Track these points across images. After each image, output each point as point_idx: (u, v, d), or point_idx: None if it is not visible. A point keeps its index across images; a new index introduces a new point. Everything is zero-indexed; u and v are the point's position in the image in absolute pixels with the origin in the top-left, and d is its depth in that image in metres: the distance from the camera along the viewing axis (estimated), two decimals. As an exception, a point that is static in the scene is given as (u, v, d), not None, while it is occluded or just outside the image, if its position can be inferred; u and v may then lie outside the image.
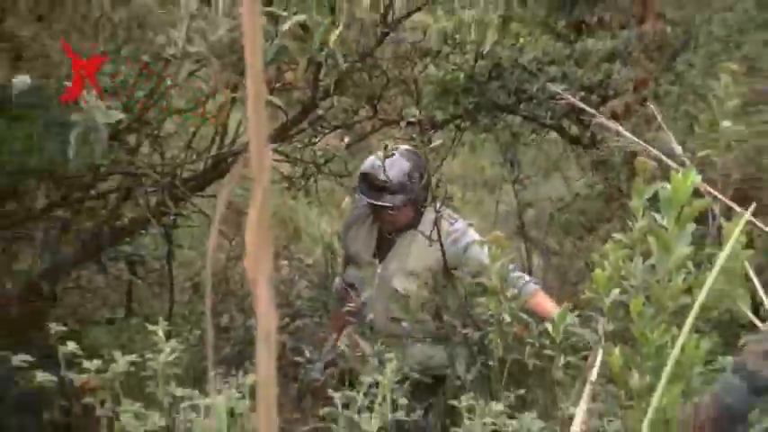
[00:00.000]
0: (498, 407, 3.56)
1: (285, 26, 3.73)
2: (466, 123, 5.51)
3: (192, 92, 4.12)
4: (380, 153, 4.55)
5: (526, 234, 6.80)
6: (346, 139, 5.34)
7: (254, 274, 1.00)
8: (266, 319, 0.99)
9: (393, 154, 4.57)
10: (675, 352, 2.16)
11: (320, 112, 4.67)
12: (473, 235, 4.60)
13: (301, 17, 3.81)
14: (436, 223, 4.46)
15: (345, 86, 4.49)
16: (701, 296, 1.79)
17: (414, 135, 4.99)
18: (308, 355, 4.60)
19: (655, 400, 2.22)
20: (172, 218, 4.76)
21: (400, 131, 5.11)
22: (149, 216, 4.29)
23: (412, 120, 4.83)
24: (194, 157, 4.52)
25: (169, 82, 3.94)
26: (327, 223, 7.44)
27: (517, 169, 6.97)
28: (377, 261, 4.72)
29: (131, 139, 4.20)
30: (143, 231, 4.93)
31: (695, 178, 2.88)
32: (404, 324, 4.34)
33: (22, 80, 3.49)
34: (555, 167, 7.44)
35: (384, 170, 4.48)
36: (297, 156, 4.90)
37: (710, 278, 2.09)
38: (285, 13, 3.79)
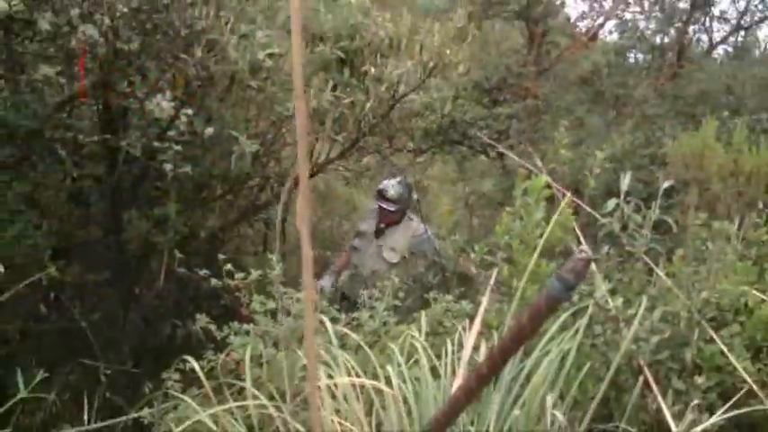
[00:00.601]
0: (449, 297, 5.03)
1: (345, 101, 7.18)
2: (437, 150, 9.23)
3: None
4: (390, 180, 7.66)
5: (470, 207, 10.36)
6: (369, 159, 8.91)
7: (300, 226, 1.85)
8: (306, 251, 1.82)
9: (397, 179, 7.64)
10: (533, 268, 4.18)
11: (361, 144, 8.09)
12: (429, 233, 7.36)
13: (350, 98, 7.24)
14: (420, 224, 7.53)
15: (374, 131, 8.00)
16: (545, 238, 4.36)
17: (411, 157, 8.39)
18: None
19: (519, 293, 4.07)
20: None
21: (405, 153, 8.58)
22: (273, 198, 7.83)
23: (410, 149, 8.31)
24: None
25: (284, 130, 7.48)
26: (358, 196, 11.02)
27: (465, 173, 10.60)
28: (375, 238, 7.63)
29: (264, 159, 7.72)
30: (270, 206, 8.22)
31: (545, 179, 4.47)
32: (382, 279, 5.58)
33: (209, 130, 6.18)
34: (482, 174, 11.03)
35: (392, 188, 7.47)
36: (349, 167, 8.59)
37: (549, 229, 5.11)
38: (342, 95, 7.17)
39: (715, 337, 3.99)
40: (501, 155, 8.62)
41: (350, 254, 7.90)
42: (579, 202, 4.59)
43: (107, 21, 5.25)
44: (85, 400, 5.34)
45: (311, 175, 8.15)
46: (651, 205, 4.52)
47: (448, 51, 7.40)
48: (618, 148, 7.81)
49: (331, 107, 6.90)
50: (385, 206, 7.50)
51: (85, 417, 5.23)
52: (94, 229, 7.25)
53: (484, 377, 2.43)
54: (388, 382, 3.42)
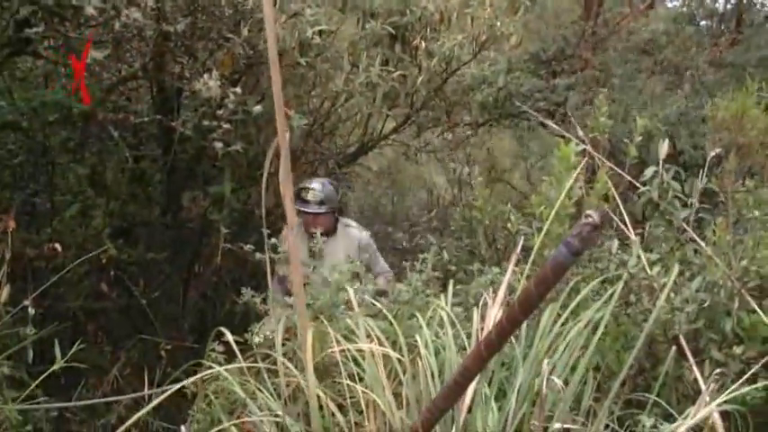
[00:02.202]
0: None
1: (394, 75, 7.14)
2: (495, 123, 9.21)
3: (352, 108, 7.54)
4: (310, 181, 6.33)
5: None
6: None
7: (285, 192, 2.80)
8: (291, 219, 2.86)
9: (319, 180, 6.38)
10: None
11: (417, 118, 8.10)
12: (372, 241, 6.45)
13: (401, 72, 7.29)
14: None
15: (428, 106, 8.04)
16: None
17: (468, 131, 8.37)
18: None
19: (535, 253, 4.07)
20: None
21: (462, 127, 8.58)
22: (331, 172, 7.90)
23: (467, 123, 8.30)
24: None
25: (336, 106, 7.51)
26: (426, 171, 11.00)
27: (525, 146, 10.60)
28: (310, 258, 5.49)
29: (317, 134, 7.79)
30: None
31: (576, 148, 4.53)
32: None
33: (257, 108, 6.05)
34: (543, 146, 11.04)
35: (313, 188, 6.19)
36: (408, 142, 8.63)
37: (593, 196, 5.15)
38: (391, 69, 7.16)
39: (756, 307, 3.91)
40: (561, 126, 8.60)
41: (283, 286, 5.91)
42: (618, 169, 4.50)
43: (150, 3, 5.33)
44: (146, 375, 5.50)
45: (366, 151, 8.22)
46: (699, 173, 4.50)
47: (499, 23, 7.37)
48: (673, 110, 7.70)
49: (381, 82, 6.91)
50: (309, 210, 6.19)
51: (146, 391, 5.45)
52: (153, 209, 7.42)
53: (492, 344, 2.45)
54: (412, 350, 3.47)
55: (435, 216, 9.53)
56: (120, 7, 5.24)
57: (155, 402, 3.28)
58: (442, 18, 7.29)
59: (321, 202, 6.22)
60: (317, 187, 6.26)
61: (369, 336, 3.43)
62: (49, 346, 5.14)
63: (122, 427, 3.00)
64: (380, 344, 3.32)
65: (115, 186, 7.35)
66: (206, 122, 5.97)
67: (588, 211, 2.21)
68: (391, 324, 3.65)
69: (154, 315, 6.76)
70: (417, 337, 3.51)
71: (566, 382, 3.35)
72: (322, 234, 5.57)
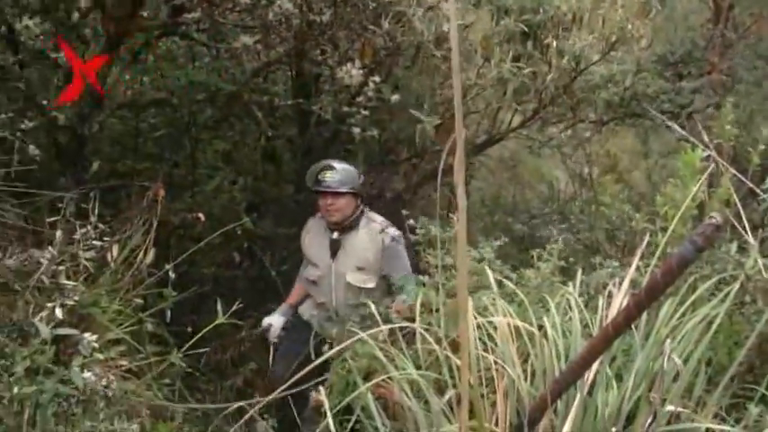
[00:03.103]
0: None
1: (525, 71, 7.37)
2: (620, 122, 9.33)
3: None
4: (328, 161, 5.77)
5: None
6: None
7: (458, 180, 2.29)
8: (461, 199, 2.23)
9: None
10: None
11: (544, 114, 8.28)
12: (400, 243, 5.65)
13: (534, 69, 7.54)
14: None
15: (556, 102, 8.21)
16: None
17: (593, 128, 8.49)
18: None
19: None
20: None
21: (587, 124, 8.72)
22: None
23: (593, 120, 8.45)
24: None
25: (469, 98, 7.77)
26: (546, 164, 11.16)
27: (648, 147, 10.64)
28: (332, 260, 5.70)
29: (447, 124, 7.98)
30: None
31: (702, 153, 4.57)
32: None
33: (394, 97, 6.61)
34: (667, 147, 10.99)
35: (333, 168, 5.65)
36: (533, 136, 8.82)
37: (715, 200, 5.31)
38: (522, 66, 7.38)
39: None
40: (684, 129, 8.68)
41: (303, 286, 6.16)
42: (740, 176, 4.63)
43: (298, -8, 5.69)
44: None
45: (493, 143, 8.46)
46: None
47: (630, 25, 7.52)
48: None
49: (512, 77, 7.12)
50: (325, 188, 5.66)
51: (270, 358, 5.82)
52: (286, 187, 7.79)
53: (620, 326, 2.70)
54: (540, 330, 3.74)
55: (555, 209, 9.70)
56: (272, -4, 5.59)
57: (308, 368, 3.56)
58: (574, 18, 7.44)
59: (340, 182, 5.60)
60: (336, 166, 5.68)
61: (502, 314, 3.69)
62: (184, 308, 5.84)
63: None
64: (511, 319, 3.58)
65: (250, 163, 7.77)
66: (345, 108, 6.31)
67: (712, 213, 2.45)
68: (520, 305, 3.92)
69: (282, 286, 7.00)
70: (545, 319, 3.77)
71: (678, 374, 3.55)
72: (341, 229, 5.67)
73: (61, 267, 4.45)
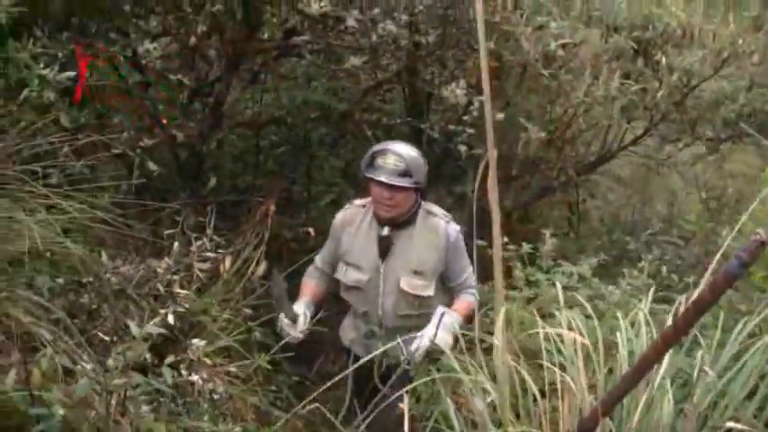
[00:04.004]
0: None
1: (634, 88, 7.32)
2: (737, 140, 9.23)
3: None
4: (391, 144, 4.71)
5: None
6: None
7: (491, 197, 2.85)
8: (496, 221, 2.85)
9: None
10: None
11: (656, 131, 8.31)
12: (463, 243, 4.72)
13: (641, 86, 7.56)
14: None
15: (667, 119, 8.22)
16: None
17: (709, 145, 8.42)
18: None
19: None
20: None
21: (704, 141, 8.66)
22: (568, 181, 8.24)
23: (709, 137, 8.39)
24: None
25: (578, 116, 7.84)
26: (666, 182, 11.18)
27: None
28: (381, 261, 4.63)
29: (557, 142, 8.10)
30: (567, 188, 8.68)
31: None
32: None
33: (500, 116, 6.96)
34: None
35: (399, 152, 4.55)
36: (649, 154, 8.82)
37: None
38: (630, 83, 7.38)
39: None
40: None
41: (318, 284, 5.13)
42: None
43: (405, 17, 5.91)
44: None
45: (604, 161, 8.51)
46: None
47: (741, 41, 7.50)
48: None
49: (620, 95, 7.16)
50: (385, 179, 4.51)
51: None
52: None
53: (669, 338, 2.81)
54: (612, 347, 3.82)
55: (671, 228, 9.63)
56: (378, 19, 5.84)
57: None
58: (684, 34, 7.48)
59: (405, 173, 4.49)
60: (401, 151, 4.55)
61: (570, 327, 3.79)
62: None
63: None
64: (580, 334, 3.68)
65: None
66: (451, 126, 6.49)
67: (758, 230, 2.56)
68: (589, 317, 4.01)
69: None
70: (618, 335, 3.85)
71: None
72: (396, 225, 4.60)
73: (176, 277, 4.74)
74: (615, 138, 8.42)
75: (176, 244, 4.98)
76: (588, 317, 3.98)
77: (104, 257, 4.58)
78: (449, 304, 4.68)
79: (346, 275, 4.83)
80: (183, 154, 6.49)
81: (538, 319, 3.87)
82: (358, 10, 5.85)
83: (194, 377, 4.22)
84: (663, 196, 11.72)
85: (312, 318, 4.83)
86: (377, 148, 4.63)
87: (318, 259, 5.12)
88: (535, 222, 8.94)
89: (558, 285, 4.22)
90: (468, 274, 4.76)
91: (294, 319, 4.72)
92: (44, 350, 3.32)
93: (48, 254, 4.12)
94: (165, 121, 6.27)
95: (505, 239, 5.31)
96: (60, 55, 5.22)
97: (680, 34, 7.45)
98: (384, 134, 7.52)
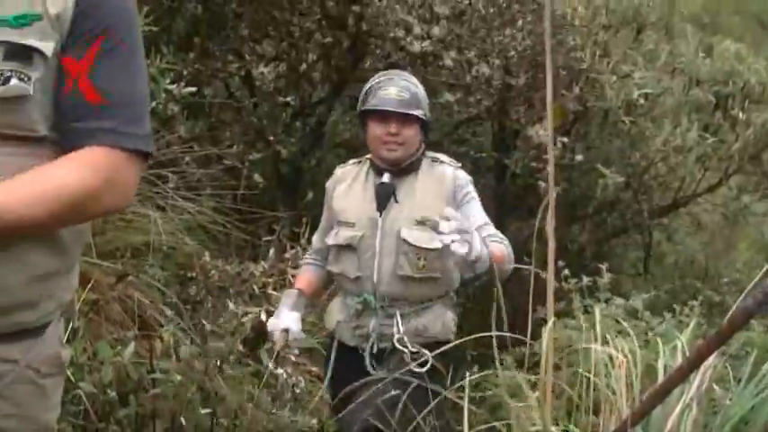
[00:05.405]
0: None
1: (710, 140, 7.91)
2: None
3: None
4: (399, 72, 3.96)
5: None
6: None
7: (548, 228, 2.71)
8: (551, 248, 2.78)
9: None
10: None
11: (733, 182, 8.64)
12: (475, 192, 3.77)
13: (718, 138, 8.00)
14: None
15: (743, 171, 8.53)
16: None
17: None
18: None
19: None
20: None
21: None
22: (642, 222, 8.65)
23: None
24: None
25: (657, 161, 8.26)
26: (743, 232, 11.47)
27: None
28: (378, 214, 3.69)
29: (634, 186, 8.49)
30: (642, 229, 9.13)
31: None
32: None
33: (579, 157, 7.77)
34: None
35: (399, 82, 3.67)
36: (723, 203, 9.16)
37: None
38: (707, 135, 7.98)
39: None
40: None
41: (316, 270, 3.92)
42: None
43: (497, 61, 6.43)
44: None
45: (678, 206, 8.87)
46: None
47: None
48: None
49: (696, 145, 7.56)
50: (389, 108, 3.59)
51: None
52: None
53: (692, 363, 3.25)
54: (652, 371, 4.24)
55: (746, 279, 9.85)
56: (473, 61, 6.38)
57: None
58: (764, 90, 7.83)
59: (408, 104, 3.61)
60: (403, 80, 3.72)
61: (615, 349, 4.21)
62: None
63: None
64: (624, 355, 4.09)
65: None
66: (533, 164, 6.99)
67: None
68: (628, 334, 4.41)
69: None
70: (659, 362, 4.26)
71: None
72: (398, 170, 3.69)
73: (270, 279, 5.28)
74: (690, 185, 8.69)
75: (272, 250, 5.49)
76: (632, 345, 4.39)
77: (207, 256, 5.09)
78: (456, 270, 3.67)
79: (337, 236, 3.70)
80: (285, 169, 7.06)
81: (589, 341, 4.28)
82: (456, 50, 6.35)
83: (280, 370, 4.68)
84: (742, 245, 11.93)
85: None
86: (374, 79, 3.74)
87: (315, 238, 4.01)
88: (611, 260, 9.28)
89: (597, 313, 4.62)
90: (488, 222, 3.66)
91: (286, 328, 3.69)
92: (162, 328, 3.88)
93: (164, 247, 4.69)
94: (270, 138, 6.88)
95: (567, 272, 5.76)
96: (185, 72, 5.86)
97: (759, 91, 7.78)
98: (471, 166, 8.01)
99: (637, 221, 8.54)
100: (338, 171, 3.93)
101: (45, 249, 1.70)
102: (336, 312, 3.79)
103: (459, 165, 3.79)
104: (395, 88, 3.61)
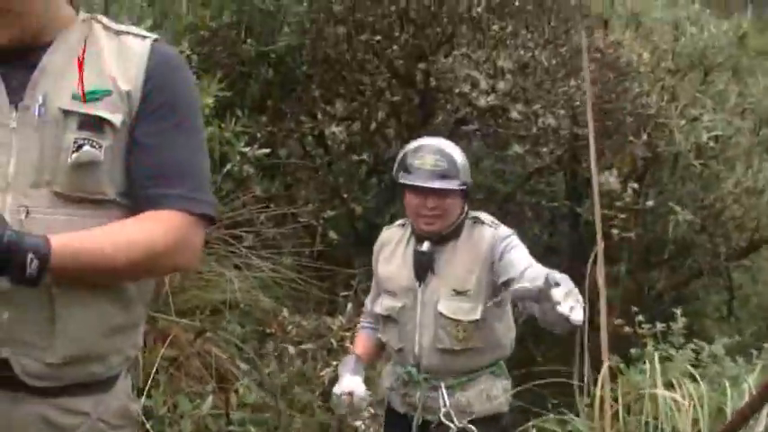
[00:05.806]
0: None
1: None
2: None
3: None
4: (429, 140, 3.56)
5: None
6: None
7: (599, 279, 3.36)
8: (602, 294, 3.32)
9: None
10: None
11: None
12: (519, 241, 3.40)
13: None
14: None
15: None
16: None
17: None
18: None
19: None
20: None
21: None
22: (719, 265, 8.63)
23: None
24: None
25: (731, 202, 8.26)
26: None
27: None
28: (417, 284, 3.50)
29: (710, 229, 8.50)
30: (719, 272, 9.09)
31: None
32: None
33: (649, 203, 7.82)
34: None
35: (442, 151, 3.41)
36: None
37: None
38: None
39: None
40: None
41: (371, 334, 3.77)
42: None
43: (562, 112, 6.55)
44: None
45: (756, 247, 8.80)
46: None
47: None
48: None
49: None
50: (425, 184, 3.36)
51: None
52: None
53: (754, 406, 3.30)
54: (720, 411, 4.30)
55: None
56: (539, 113, 6.51)
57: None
58: (839, 131, 7.83)
59: (448, 174, 3.37)
60: (440, 147, 3.43)
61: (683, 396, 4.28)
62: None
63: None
64: (690, 399, 4.16)
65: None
66: (605, 211, 7.06)
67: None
68: (695, 379, 4.47)
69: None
70: (727, 403, 4.32)
71: None
72: (437, 239, 3.46)
73: (347, 333, 5.42)
74: (765, 227, 8.64)
75: (350, 305, 5.65)
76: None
77: (285, 312, 5.27)
78: (506, 337, 3.56)
79: (381, 305, 3.60)
80: (360, 225, 7.23)
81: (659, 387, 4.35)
82: (522, 103, 6.50)
83: (358, 423, 4.82)
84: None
85: None
86: (409, 147, 3.53)
87: (367, 301, 3.89)
88: (692, 305, 9.23)
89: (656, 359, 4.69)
90: (533, 264, 3.21)
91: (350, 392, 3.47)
92: (238, 382, 4.05)
93: (241, 305, 4.88)
94: (345, 195, 7.06)
95: (641, 317, 5.80)
96: (259, 135, 6.08)
97: (833, 131, 7.79)
98: (545, 216, 8.13)
99: (714, 264, 8.49)
100: (384, 233, 3.77)
101: (117, 303, 1.86)
102: (387, 378, 3.70)
103: (499, 224, 3.47)
104: (431, 157, 3.37)
